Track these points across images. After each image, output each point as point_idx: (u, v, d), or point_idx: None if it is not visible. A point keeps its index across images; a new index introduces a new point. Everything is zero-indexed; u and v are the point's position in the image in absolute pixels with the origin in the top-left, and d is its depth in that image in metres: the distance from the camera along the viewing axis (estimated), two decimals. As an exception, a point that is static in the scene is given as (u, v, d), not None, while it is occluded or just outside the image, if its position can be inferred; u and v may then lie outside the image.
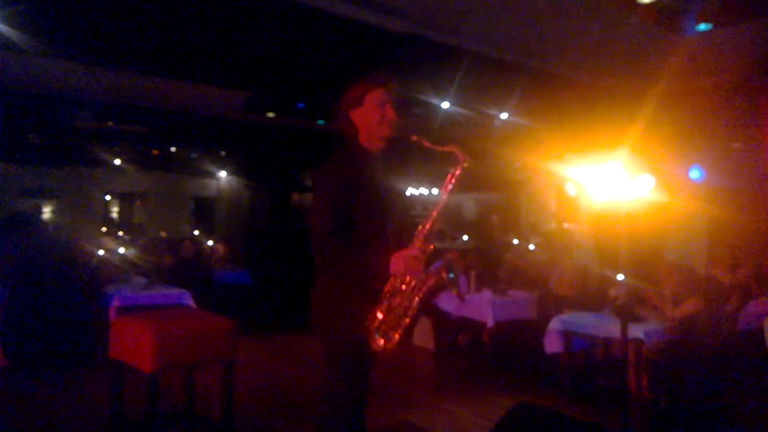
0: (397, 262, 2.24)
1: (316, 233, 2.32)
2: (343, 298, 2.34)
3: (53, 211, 13.41)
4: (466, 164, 2.34)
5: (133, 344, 3.34)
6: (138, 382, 3.50)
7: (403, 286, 2.28)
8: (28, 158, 11.86)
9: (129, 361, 3.41)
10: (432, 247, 2.32)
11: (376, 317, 2.27)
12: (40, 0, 3.94)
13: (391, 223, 2.43)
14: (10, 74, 6.33)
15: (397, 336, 2.27)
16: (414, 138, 2.36)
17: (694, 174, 7.17)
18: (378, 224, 2.39)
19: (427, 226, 2.34)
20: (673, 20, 4.08)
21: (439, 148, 2.32)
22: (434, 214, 2.35)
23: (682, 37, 4.59)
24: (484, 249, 9.13)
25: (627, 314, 4.54)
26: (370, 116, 2.39)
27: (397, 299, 2.28)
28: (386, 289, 2.28)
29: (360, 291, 2.31)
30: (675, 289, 5.06)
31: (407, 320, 2.28)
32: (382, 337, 2.25)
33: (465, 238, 11.21)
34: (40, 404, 4.79)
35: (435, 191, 11.43)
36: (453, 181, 2.35)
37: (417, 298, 2.29)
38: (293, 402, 4.95)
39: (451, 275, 2.31)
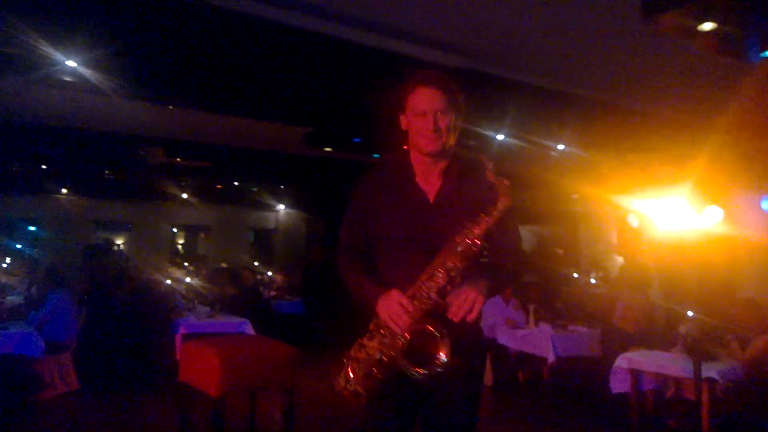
0: (381, 302, 1.85)
1: (336, 249, 2.11)
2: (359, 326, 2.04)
3: (125, 243, 14.07)
4: (498, 211, 1.81)
5: (201, 369, 3.47)
6: (202, 408, 3.61)
7: (382, 330, 1.86)
8: (102, 193, 12.55)
9: (197, 385, 3.53)
10: (436, 300, 1.81)
11: (349, 356, 1.91)
12: (117, 46, 4.21)
13: (436, 252, 1.87)
14: (88, 114, 6.74)
15: (359, 389, 1.86)
16: (482, 157, 1.92)
17: (766, 205, 6.86)
18: (406, 249, 1.94)
19: (438, 276, 1.82)
20: (736, 47, 3.97)
21: (494, 180, 1.84)
22: (456, 265, 1.82)
23: (747, 64, 4.46)
24: (543, 282, 8.96)
25: (699, 353, 4.36)
26: (412, 125, 1.97)
27: (373, 344, 1.87)
28: (371, 328, 1.90)
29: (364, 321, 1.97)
30: (743, 327, 4.82)
31: (376, 372, 1.84)
32: (346, 382, 1.88)
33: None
34: (111, 426, 4.97)
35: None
36: (477, 232, 1.82)
37: (384, 356, 1.82)
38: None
39: (441, 355, 1.75)
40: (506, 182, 1.83)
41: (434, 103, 1.91)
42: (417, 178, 2.01)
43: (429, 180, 2.00)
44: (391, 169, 2.06)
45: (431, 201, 1.98)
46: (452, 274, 1.82)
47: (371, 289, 1.91)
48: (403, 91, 1.98)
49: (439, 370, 1.75)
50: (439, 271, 1.82)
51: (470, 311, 1.78)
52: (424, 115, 1.91)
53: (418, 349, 1.77)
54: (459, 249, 1.83)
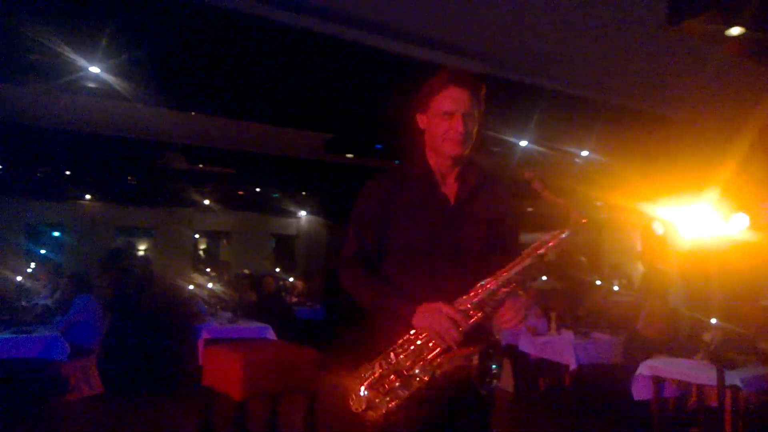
0: (424, 314, 1.70)
1: (339, 261, 1.93)
2: (368, 341, 1.88)
3: (147, 249, 14.23)
4: (574, 231, 1.73)
5: (225, 372, 3.50)
6: (224, 412, 3.64)
7: (419, 343, 1.72)
8: (125, 198, 12.72)
9: (220, 389, 3.56)
10: (479, 315, 1.71)
11: (370, 369, 1.75)
12: (140, 52, 4.28)
13: (463, 268, 1.81)
14: (111, 120, 6.84)
15: (390, 405, 1.70)
16: (527, 174, 1.77)
17: (793, 212, 6.74)
18: (430, 258, 1.82)
19: (498, 288, 1.72)
20: (763, 52, 3.93)
21: (552, 198, 1.75)
22: (510, 274, 1.72)
23: (775, 69, 4.40)
24: (565, 290, 8.87)
25: (723, 360, 4.31)
26: (434, 126, 1.84)
27: (405, 359, 1.71)
28: (400, 341, 1.75)
29: (380, 335, 1.83)
30: None
31: (406, 393, 1.69)
32: (366, 400, 1.73)
33: (543, 278, 10.91)
34: (134, 429, 5.03)
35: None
36: (551, 246, 1.74)
37: (424, 375, 1.68)
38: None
39: (494, 367, 1.68)
40: (569, 202, 1.75)
41: (463, 104, 1.80)
42: (429, 181, 1.90)
43: (446, 183, 1.91)
44: (409, 173, 1.93)
45: (452, 204, 1.88)
46: (516, 288, 1.73)
47: (399, 301, 1.76)
48: (428, 89, 1.86)
49: (496, 382, 1.71)
50: (504, 285, 1.72)
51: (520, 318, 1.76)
52: (451, 116, 1.80)
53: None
54: (528, 263, 1.73)
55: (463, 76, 1.83)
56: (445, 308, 1.69)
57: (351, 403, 1.75)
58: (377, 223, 1.88)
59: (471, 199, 1.89)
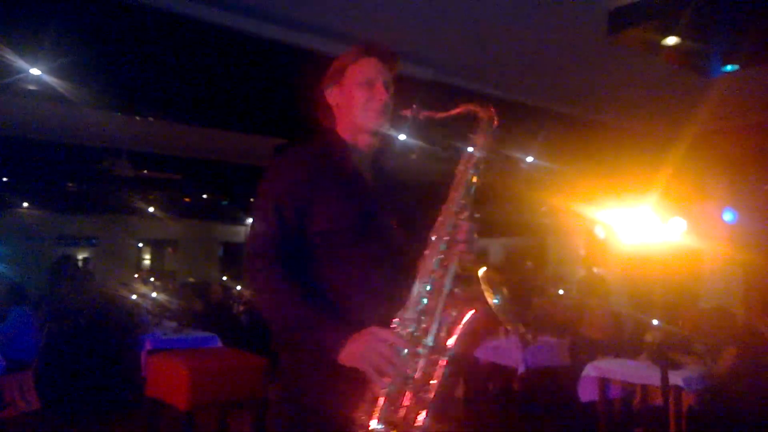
0: (353, 344, 1.39)
1: (247, 256, 1.55)
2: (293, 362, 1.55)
3: (89, 258, 13.74)
4: (492, 120, 1.64)
5: (169, 382, 3.39)
6: (170, 426, 3.53)
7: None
8: (65, 206, 12.26)
9: (165, 399, 3.45)
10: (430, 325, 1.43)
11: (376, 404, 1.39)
12: (84, 54, 4.13)
13: (393, 254, 1.56)
14: (52, 124, 6.60)
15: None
16: (408, 112, 1.66)
17: (728, 216, 7.07)
18: (360, 247, 1.54)
19: (434, 281, 1.47)
20: (698, 62, 4.11)
21: (453, 112, 1.64)
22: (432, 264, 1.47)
23: (708, 78, 4.61)
24: (512, 294, 9.01)
25: (666, 360, 4.43)
26: (352, 98, 1.64)
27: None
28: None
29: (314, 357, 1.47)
30: (710, 336, 4.91)
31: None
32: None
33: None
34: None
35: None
36: (472, 162, 1.61)
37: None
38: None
39: None
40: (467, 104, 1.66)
41: (384, 73, 1.66)
42: (350, 156, 1.65)
43: (362, 164, 1.67)
44: (324, 149, 1.67)
45: (371, 186, 1.65)
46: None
47: (330, 327, 1.42)
48: (343, 59, 1.68)
49: None
50: (437, 279, 1.48)
51: None
52: (372, 85, 1.63)
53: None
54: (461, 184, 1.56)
55: (382, 46, 1.69)
56: (380, 332, 1.39)
57: None
58: (299, 202, 1.54)
59: (387, 183, 1.69)
